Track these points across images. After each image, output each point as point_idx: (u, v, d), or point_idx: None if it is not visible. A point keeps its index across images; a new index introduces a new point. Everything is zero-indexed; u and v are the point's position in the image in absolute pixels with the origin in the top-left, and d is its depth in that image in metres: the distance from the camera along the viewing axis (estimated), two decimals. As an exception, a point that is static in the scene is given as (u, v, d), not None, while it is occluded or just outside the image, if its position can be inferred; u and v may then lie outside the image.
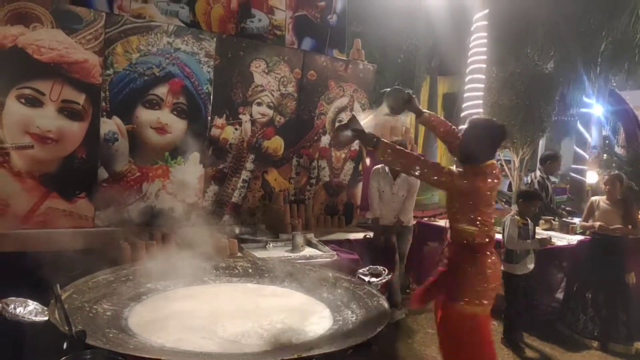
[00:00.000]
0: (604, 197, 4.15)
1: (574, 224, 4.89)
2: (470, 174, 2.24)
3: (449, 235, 2.47)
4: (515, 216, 3.84)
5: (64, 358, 1.79)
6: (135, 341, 1.48)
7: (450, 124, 2.60)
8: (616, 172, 4.30)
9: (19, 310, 1.39)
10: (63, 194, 3.05)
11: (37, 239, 2.82)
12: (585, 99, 9.04)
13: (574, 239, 4.48)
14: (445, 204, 2.51)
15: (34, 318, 1.40)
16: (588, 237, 4.53)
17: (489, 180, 2.26)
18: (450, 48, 8.55)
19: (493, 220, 2.41)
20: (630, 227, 3.91)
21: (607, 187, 4.21)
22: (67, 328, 1.35)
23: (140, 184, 3.34)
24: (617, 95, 9.11)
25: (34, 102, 2.88)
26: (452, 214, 2.38)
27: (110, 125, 3.17)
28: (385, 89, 2.54)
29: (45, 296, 1.69)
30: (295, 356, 1.39)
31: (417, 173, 2.25)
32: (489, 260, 2.32)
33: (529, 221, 3.85)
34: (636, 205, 4.48)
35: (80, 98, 3.03)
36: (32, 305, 1.45)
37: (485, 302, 2.29)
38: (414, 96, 2.55)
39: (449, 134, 2.56)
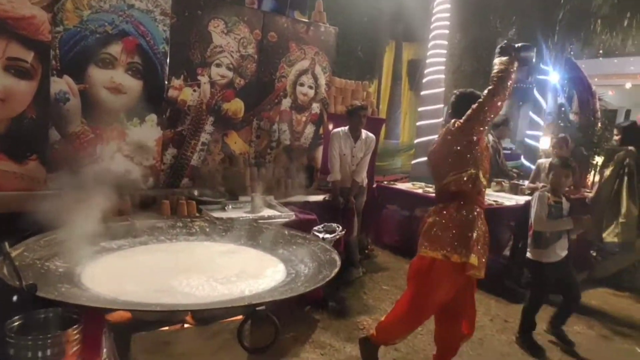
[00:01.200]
0: (551, 160, 4.37)
1: (523, 185, 5.17)
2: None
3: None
4: (546, 192, 3.38)
5: (17, 317, 1.82)
6: (88, 294, 1.51)
7: None
8: (562, 135, 4.50)
9: (-31, 265, 1.40)
10: (12, 155, 2.96)
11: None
12: (543, 67, 9.32)
13: (522, 200, 4.75)
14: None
15: (-15, 273, 1.41)
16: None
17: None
18: (416, 14, 8.56)
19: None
20: (572, 187, 4.14)
21: (555, 149, 4.45)
22: (17, 282, 1.37)
23: (94, 146, 3.27)
24: (572, 63, 9.42)
25: (-24, 58, 2.75)
26: (446, 171, 2.53)
27: (61, 84, 3.07)
28: (521, 44, 2.57)
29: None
30: (246, 303, 1.47)
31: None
32: (476, 211, 2.50)
33: (563, 199, 3.37)
34: (581, 168, 4.77)
35: (29, 56, 2.90)
36: (-17, 261, 1.45)
37: (466, 251, 2.42)
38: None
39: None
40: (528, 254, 3.43)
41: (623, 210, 4.40)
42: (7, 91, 2.87)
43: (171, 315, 1.55)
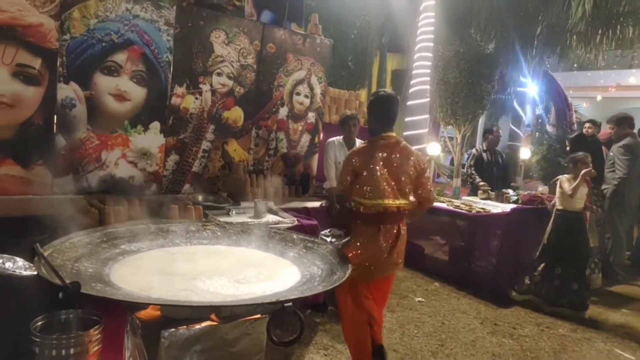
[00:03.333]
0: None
1: (508, 193, 5.39)
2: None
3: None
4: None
5: (40, 317, 1.87)
6: (123, 293, 1.58)
7: None
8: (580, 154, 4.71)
9: (8, 265, 1.45)
10: (19, 160, 2.99)
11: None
12: (522, 79, 9.69)
13: (508, 207, 4.96)
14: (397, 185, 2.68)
15: (24, 272, 1.47)
16: (520, 205, 5.05)
17: (354, 153, 2.81)
18: (400, 25, 8.81)
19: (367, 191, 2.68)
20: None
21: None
22: (58, 281, 1.44)
23: (99, 152, 3.32)
24: (549, 76, 9.82)
25: (-14, 65, 2.78)
26: (407, 190, 2.68)
27: (67, 90, 3.12)
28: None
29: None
30: (274, 300, 1.57)
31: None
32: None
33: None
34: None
35: (36, 63, 2.95)
36: (20, 261, 1.51)
37: None
38: None
39: None
40: None
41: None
42: (15, 97, 2.90)
43: (202, 312, 1.63)
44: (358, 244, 2.66)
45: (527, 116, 10.19)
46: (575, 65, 13.70)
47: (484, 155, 5.93)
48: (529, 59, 9.48)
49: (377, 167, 2.60)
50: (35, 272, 1.50)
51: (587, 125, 6.24)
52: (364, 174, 2.62)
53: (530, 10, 8.84)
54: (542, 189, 6.51)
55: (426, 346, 3.40)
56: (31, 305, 1.76)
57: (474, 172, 5.87)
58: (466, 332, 3.73)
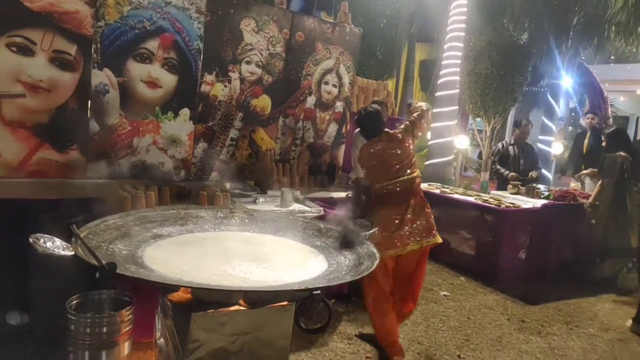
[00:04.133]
0: None
1: (539, 188, 5.25)
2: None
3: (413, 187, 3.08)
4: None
5: (75, 296, 1.92)
6: (156, 275, 1.61)
7: None
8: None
9: (49, 244, 1.50)
10: (55, 145, 3.07)
11: (32, 188, 2.87)
12: (556, 71, 9.38)
13: (539, 203, 4.83)
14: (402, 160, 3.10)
15: (62, 252, 1.51)
16: (551, 201, 4.92)
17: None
18: (431, 15, 8.65)
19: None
20: None
21: None
22: (95, 261, 1.47)
23: (131, 138, 3.38)
24: (585, 68, 9.48)
25: (25, 50, 2.85)
26: (412, 162, 3.10)
27: (101, 76, 3.18)
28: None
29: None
30: (303, 288, 1.57)
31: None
32: None
33: None
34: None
35: (72, 49, 3.01)
36: (58, 241, 1.56)
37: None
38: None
39: None
40: None
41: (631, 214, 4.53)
42: (51, 82, 2.98)
43: (232, 297, 1.65)
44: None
45: (560, 109, 9.87)
46: (612, 57, 13.18)
47: (510, 149, 5.78)
48: (564, 51, 9.16)
49: (373, 160, 3.13)
50: (73, 252, 1.55)
51: (589, 116, 6.04)
52: (369, 165, 3.20)
53: (566, 0, 8.52)
54: (574, 184, 6.32)
55: (451, 340, 3.37)
56: (68, 283, 1.83)
57: (498, 167, 5.74)
58: (492, 328, 3.67)
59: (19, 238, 1.97)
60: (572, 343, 3.56)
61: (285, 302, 1.80)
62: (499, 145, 6.00)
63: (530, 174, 5.58)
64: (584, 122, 9.61)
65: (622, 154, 4.56)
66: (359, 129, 3.31)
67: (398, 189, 3.04)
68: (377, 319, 2.96)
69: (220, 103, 3.78)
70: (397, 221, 3.00)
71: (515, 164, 5.71)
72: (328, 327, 2.37)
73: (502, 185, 5.72)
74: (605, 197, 4.63)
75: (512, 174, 5.54)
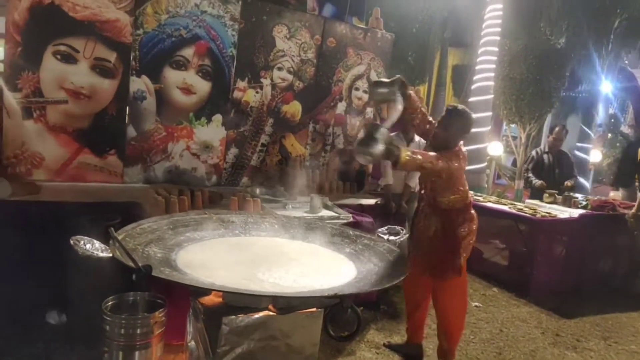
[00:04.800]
0: None
1: (576, 198, 5.07)
2: (452, 156, 2.65)
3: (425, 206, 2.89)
4: None
5: (111, 298, 1.97)
6: (189, 278, 1.65)
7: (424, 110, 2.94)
8: None
9: (88, 246, 1.55)
10: (94, 150, 3.19)
11: (72, 191, 2.99)
12: (595, 76, 9.06)
13: (575, 213, 4.66)
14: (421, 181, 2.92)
15: (100, 254, 1.57)
16: (589, 211, 4.74)
17: (462, 161, 2.73)
18: (464, 19, 8.51)
19: (466, 184, 2.85)
20: None
21: None
22: (132, 263, 1.52)
23: (165, 144, 3.47)
24: (628, 72, 9.13)
25: (69, 58, 2.99)
26: (434, 188, 2.78)
27: (139, 84, 3.28)
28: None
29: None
30: (332, 294, 1.57)
31: (428, 166, 2.56)
32: (473, 216, 2.83)
33: None
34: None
35: (112, 56, 3.13)
36: (97, 243, 1.61)
37: (466, 255, 2.78)
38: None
39: (423, 119, 2.86)
40: None
41: None
42: (92, 88, 3.10)
43: (264, 302, 1.66)
44: None
45: (600, 116, 9.52)
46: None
47: (545, 157, 5.58)
48: (604, 55, 8.84)
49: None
50: (111, 255, 1.60)
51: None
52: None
53: (607, 2, 8.23)
54: (613, 194, 6.06)
55: (483, 353, 3.28)
56: (105, 285, 1.88)
57: (530, 175, 5.56)
58: (526, 342, 3.55)
59: (59, 240, 2.06)
60: (611, 360, 3.41)
61: (314, 309, 1.80)
62: (533, 152, 5.82)
63: (566, 182, 5.38)
64: (625, 129, 9.26)
65: None
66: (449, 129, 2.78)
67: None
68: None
69: (252, 109, 3.83)
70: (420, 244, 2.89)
71: (550, 172, 5.51)
72: (357, 335, 2.34)
73: (535, 194, 5.55)
74: None
75: (540, 182, 5.36)
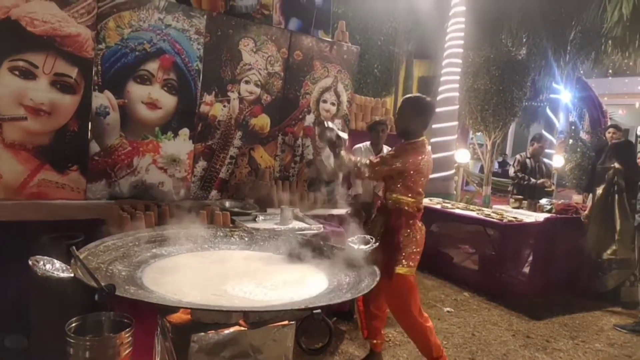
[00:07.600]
0: None
1: (540, 203, 5.24)
2: (402, 152, 2.64)
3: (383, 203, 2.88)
4: None
5: (74, 319, 1.90)
6: (155, 296, 1.60)
7: None
8: None
9: (48, 266, 1.49)
10: (56, 166, 3.09)
11: (32, 210, 2.88)
12: (554, 85, 9.45)
13: (541, 217, 4.81)
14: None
15: (61, 274, 1.51)
16: (553, 214, 4.90)
17: (420, 157, 2.66)
18: (428, 32, 8.75)
19: (422, 192, 2.80)
20: None
21: None
22: (94, 283, 1.47)
23: (131, 159, 3.40)
24: (583, 82, 9.57)
25: (28, 74, 2.89)
26: (388, 186, 2.78)
27: (101, 99, 3.21)
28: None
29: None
30: (303, 307, 1.55)
31: (367, 175, 2.66)
32: (419, 227, 2.79)
33: None
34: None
35: (73, 72, 3.05)
36: (57, 263, 1.55)
37: (413, 264, 2.76)
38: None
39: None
40: None
41: (618, 227, 4.53)
42: (53, 105, 3.01)
43: (232, 317, 1.63)
44: None
45: (560, 123, 9.92)
46: (610, 71, 13.27)
47: (528, 162, 5.87)
48: (562, 65, 9.24)
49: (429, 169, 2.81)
50: (72, 274, 1.54)
51: (610, 130, 6.00)
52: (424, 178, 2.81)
53: (563, 15, 8.63)
54: (576, 197, 6.30)
55: (456, 358, 3.32)
56: (67, 306, 1.81)
57: (525, 175, 5.78)
58: (498, 345, 3.62)
59: (18, 261, 1.97)
60: (578, 359, 3.50)
61: (286, 322, 1.78)
62: (518, 156, 6.06)
63: (545, 184, 5.69)
64: (583, 135, 9.67)
65: (615, 165, 4.58)
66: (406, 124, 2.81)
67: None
68: (428, 335, 2.85)
69: (220, 123, 3.80)
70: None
71: (532, 176, 5.81)
72: (329, 347, 2.31)
73: (532, 194, 5.68)
74: (597, 210, 4.66)
75: (542, 180, 5.63)
